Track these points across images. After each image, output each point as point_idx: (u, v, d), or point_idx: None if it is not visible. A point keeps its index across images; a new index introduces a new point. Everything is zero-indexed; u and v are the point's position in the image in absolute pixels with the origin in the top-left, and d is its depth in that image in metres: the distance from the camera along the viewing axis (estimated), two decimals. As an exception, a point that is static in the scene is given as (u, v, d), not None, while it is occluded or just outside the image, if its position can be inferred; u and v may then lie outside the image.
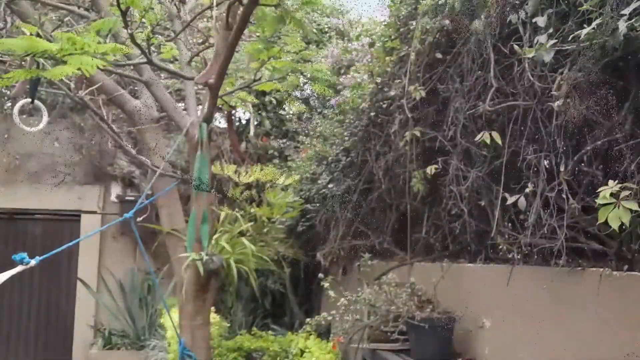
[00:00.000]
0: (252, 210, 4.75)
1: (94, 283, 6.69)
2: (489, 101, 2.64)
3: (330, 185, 4.49)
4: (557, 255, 2.23)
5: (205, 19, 5.35)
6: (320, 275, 4.32)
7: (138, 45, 2.54)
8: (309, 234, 5.25)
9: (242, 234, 4.48)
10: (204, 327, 3.38)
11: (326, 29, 7.57)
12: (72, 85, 3.61)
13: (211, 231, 3.37)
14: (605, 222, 1.68)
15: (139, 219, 3.81)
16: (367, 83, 4.04)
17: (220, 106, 3.57)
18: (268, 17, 2.66)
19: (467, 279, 2.98)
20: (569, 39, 2.06)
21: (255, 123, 6.68)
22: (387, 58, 3.58)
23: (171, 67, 3.76)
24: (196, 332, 3.33)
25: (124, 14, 2.30)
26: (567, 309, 2.24)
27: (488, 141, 2.52)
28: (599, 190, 1.73)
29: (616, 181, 1.72)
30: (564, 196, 2.20)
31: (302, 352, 4.47)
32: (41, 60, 2.15)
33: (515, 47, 2.31)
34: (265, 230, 5.04)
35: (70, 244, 3.05)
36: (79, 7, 4.04)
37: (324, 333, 4.47)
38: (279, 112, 6.77)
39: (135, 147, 5.83)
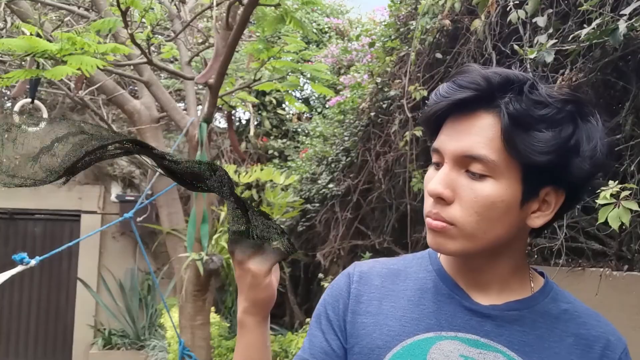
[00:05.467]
0: (252, 210, 4.74)
1: (94, 283, 6.69)
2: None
3: (330, 185, 4.49)
4: (557, 255, 2.23)
5: (205, 19, 5.36)
6: (320, 275, 4.33)
7: (138, 45, 2.54)
8: (309, 234, 5.25)
9: (242, 233, 4.47)
10: (204, 327, 3.38)
11: (326, 29, 7.58)
12: (72, 86, 3.61)
13: (211, 231, 3.37)
14: (605, 222, 1.67)
15: (139, 219, 3.82)
16: (367, 83, 4.04)
17: (220, 106, 3.57)
18: (268, 17, 2.66)
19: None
20: (569, 39, 2.06)
21: (255, 123, 6.68)
22: (387, 58, 3.58)
23: (171, 67, 3.76)
24: (196, 332, 3.33)
25: (124, 14, 2.30)
26: (567, 309, 2.24)
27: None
28: (599, 190, 1.73)
29: (616, 181, 1.71)
30: (564, 196, 2.20)
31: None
32: (41, 60, 2.15)
33: (516, 47, 2.30)
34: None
35: (70, 243, 3.05)
36: (79, 7, 4.05)
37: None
38: (279, 112, 6.78)
39: (135, 147, 5.84)
